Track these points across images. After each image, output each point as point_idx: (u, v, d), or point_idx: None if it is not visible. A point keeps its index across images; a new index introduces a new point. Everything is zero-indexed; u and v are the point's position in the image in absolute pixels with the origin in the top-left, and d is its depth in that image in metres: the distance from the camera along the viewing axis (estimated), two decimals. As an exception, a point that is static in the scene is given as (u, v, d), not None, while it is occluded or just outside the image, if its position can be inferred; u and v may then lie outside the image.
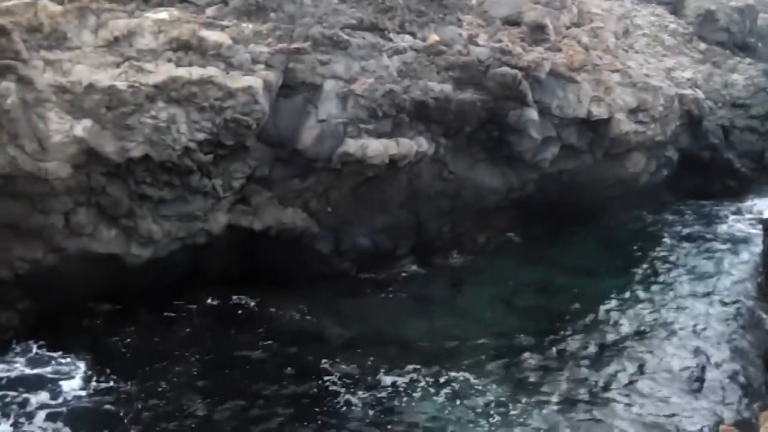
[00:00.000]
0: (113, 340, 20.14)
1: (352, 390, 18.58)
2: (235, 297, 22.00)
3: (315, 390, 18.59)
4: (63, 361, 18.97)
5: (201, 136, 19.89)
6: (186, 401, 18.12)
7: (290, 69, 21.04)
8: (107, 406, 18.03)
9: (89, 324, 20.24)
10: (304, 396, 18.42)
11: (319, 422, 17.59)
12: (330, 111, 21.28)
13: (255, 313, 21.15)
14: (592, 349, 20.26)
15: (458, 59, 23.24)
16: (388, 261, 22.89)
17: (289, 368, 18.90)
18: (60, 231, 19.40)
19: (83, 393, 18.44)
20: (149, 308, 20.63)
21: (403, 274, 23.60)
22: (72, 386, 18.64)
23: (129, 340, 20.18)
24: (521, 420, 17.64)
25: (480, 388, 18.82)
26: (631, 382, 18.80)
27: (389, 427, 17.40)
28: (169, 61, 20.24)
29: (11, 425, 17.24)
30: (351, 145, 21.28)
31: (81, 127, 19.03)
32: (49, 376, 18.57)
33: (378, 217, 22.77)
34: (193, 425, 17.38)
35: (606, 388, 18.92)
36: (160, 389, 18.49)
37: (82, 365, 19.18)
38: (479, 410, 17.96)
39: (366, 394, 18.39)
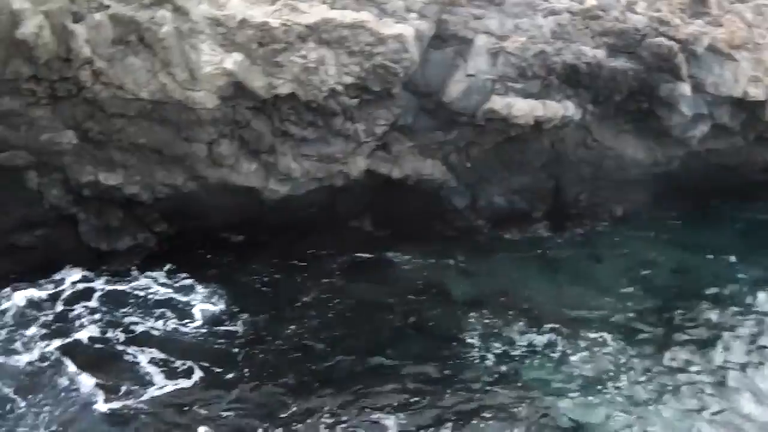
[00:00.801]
0: (246, 275, 20.96)
1: (471, 349, 18.86)
2: (364, 245, 22.09)
3: (438, 345, 19.00)
4: (196, 287, 19.50)
5: (348, 79, 20.22)
6: (310, 347, 18.83)
7: (443, 20, 21.19)
8: (235, 341, 18.89)
9: (221, 255, 20.80)
10: (427, 350, 18.87)
11: (441, 377, 18.09)
12: (479, 66, 21.39)
13: (383, 262, 21.19)
14: (727, 337, 19.82)
15: (614, 25, 22.98)
16: (522, 223, 23.04)
17: (412, 320, 19.15)
18: (202, 160, 20.00)
19: (210, 324, 19.38)
20: (280, 249, 20.66)
21: (536, 238, 23.40)
22: (203, 314, 19.46)
23: (261, 277, 20.98)
24: (646, 401, 17.35)
25: (603, 362, 18.65)
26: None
27: (505, 390, 17.66)
28: (324, 2, 20.60)
29: (140, 346, 17.75)
30: (497, 103, 21.34)
31: (231, 61, 19.47)
32: (183, 299, 19.00)
33: (516, 178, 22.84)
34: (317, 370, 18.10)
35: (736, 377, 18.49)
36: (287, 332, 19.21)
37: (214, 295, 20.06)
38: (601, 386, 17.88)
39: (487, 354, 18.57)
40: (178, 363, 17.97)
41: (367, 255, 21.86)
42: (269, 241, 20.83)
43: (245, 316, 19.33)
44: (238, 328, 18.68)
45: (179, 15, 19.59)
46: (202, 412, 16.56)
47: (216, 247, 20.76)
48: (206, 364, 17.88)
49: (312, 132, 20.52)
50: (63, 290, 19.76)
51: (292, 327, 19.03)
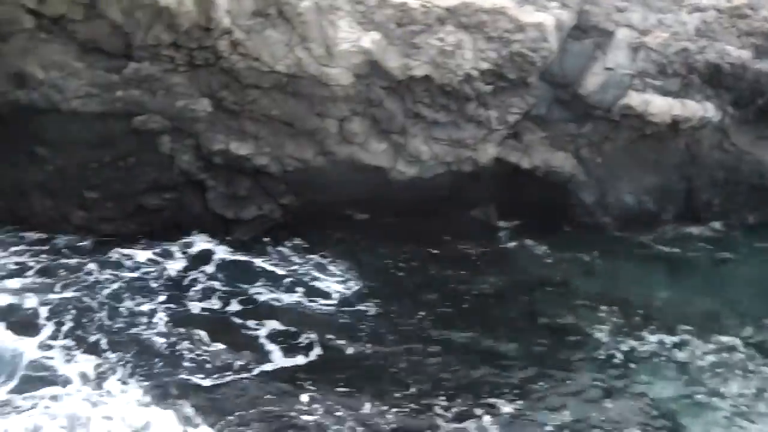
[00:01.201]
0: (372, 255, 21.32)
1: (592, 346, 18.84)
2: (488, 234, 22.35)
3: (558, 340, 19.04)
4: (320, 262, 19.93)
5: (484, 65, 20.19)
6: (429, 333, 19.07)
7: (584, 11, 21.01)
8: (364, 321, 19.17)
9: (345, 231, 21.33)
10: (547, 344, 18.96)
11: (559, 370, 18.10)
12: (618, 60, 21.13)
13: (506, 252, 21.09)
14: None
15: (762, 25, 22.41)
16: (650, 223, 22.68)
17: (533, 313, 19.26)
18: (332, 136, 20.27)
19: (332, 301, 19.82)
20: (405, 231, 20.87)
21: (664, 239, 23.00)
22: (326, 290, 20.00)
23: (387, 260, 21.41)
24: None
25: (729, 370, 18.48)
26: None
27: (624, 391, 17.60)
28: (465, -14, 20.46)
29: (260, 318, 18.37)
30: (634, 99, 21.05)
31: (369, 39, 19.62)
32: (306, 273, 19.59)
33: (648, 177, 22.52)
34: (435, 355, 18.28)
35: None
36: (408, 317, 19.46)
37: (337, 271, 20.47)
38: (725, 396, 17.73)
39: (608, 353, 18.57)
40: (300, 338, 18.06)
41: (490, 244, 21.34)
42: (393, 223, 20.85)
43: (366, 295, 19.69)
44: (359, 307, 18.64)
45: (320, -10, 19.66)
46: (314, 388, 16.60)
47: (339, 223, 20.86)
48: (326, 341, 18.20)
49: (444, 116, 20.53)
50: (188, 254, 19.94)
51: (416, 312, 19.12)
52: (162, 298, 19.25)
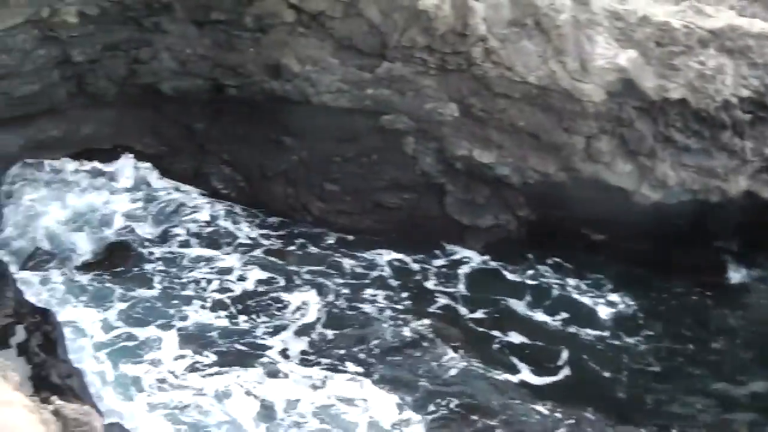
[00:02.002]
0: (614, 278, 21.48)
1: None
2: (725, 267, 22.14)
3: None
4: (563, 279, 20.79)
5: (745, 92, 20.06)
6: (696, 372, 19.15)
7: None
8: (614, 345, 19.56)
9: (588, 251, 21.78)
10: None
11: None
12: None
13: (745, 287, 20.73)
14: None
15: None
16: None
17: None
18: (578, 152, 20.59)
19: (593, 322, 20.08)
20: (644, 256, 20.98)
21: None
22: (572, 308, 20.46)
23: (634, 284, 21.52)
24: None
25: None
26: None
27: None
28: (731, 8, 20.35)
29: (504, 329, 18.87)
30: None
31: (625, 57, 19.87)
32: (550, 289, 20.20)
33: None
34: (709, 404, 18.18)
35: None
36: (671, 348, 19.66)
37: (592, 291, 20.78)
38: None
39: None
40: (551, 354, 18.46)
41: (726, 278, 20.97)
42: (631, 247, 20.75)
43: (622, 319, 19.84)
44: (612, 330, 18.76)
45: (579, 4, 20.10)
46: (560, 407, 17.41)
47: (574, 241, 20.91)
48: (578, 360, 18.44)
49: (695, 142, 20.53)
50: (434, 257, 20.66)
51: (673, 343, 18.99)
52: (405, 298, 20.12)
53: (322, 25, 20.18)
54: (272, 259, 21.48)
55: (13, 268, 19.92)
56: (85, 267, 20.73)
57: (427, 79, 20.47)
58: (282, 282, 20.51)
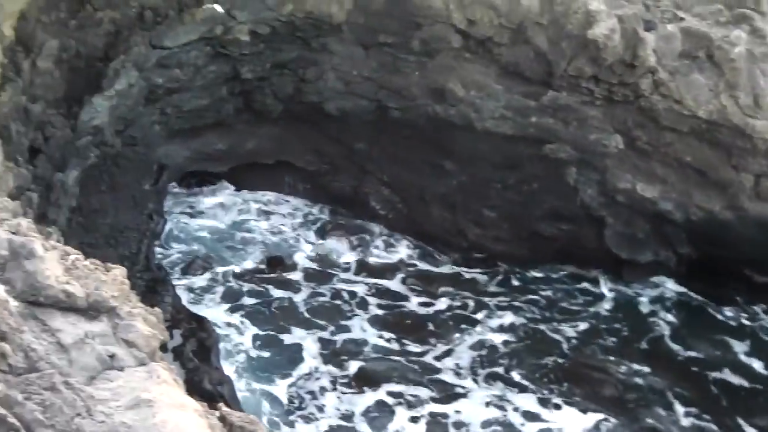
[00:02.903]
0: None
1: None
2: None
3: None
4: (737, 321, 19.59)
5: None
6: None
7: None
8: None
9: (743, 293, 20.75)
10: None
11: None
12: None
13: None
14: None
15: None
16: None
17: None
18: (746, 191, 20.33)
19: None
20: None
21: None
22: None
23: None
24: None
25: None
26: None
27: None
28: None
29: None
30: None
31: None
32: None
33: None
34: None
35: None
36: None
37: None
38: None
39: None
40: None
41: None
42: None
43: None
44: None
45: (755, 37, 19.77)
46: None
47: (736, 282, 20.69)
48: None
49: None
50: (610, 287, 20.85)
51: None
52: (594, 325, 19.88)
53: (488, 51, 20.35)
54: (432, 281, 21.79)
55: (172, 275, 20.74)
56: (242, 276, 21.41)
57: (593, 109, 20.42)
58: (457, 303, 20.32)
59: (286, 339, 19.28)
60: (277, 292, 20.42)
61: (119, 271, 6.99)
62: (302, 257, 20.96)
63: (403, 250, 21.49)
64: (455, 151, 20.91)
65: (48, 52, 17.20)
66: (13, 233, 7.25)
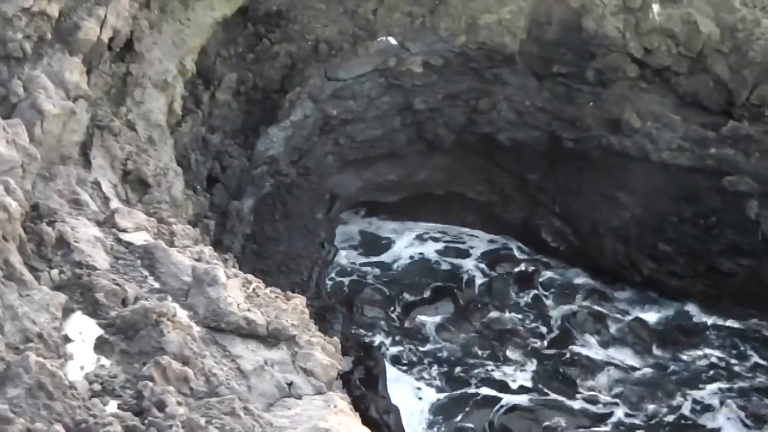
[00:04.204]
0: None
1: None
2: None
3: None
4: None
5: None
6: None
7: None
8: None
9: None
10: None
11: None
12: None
13: None
14: None
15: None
16: None
17: None
18: None
19: None
20: None
21: None
22: None
23: None
24: None
25: None
26: None
27: None
28: None
29: None
30: None
31: None
32: None
33: None
34: None
35: None
36: None
37: None
38: None
39: None
40: None
41: None
42: None
43: None
44: None
45: None
46: None
47: None
48: None
49: None
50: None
51: None
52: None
53: (665, 80, 19.88)
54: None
55: (341, 303, 21.09)
56: (410, 306, 21.56)
57: (772, 139, 19.51)
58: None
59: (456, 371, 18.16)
60: (445, 322, 19.49)
61: (299, 300, 7.06)
62: (471, 290, 20.51)
63: (576, 284, 20.53)
64: (630, 182, 20.47)
65: (227, 84, 17.68)
66: (196, 260, 7.42)
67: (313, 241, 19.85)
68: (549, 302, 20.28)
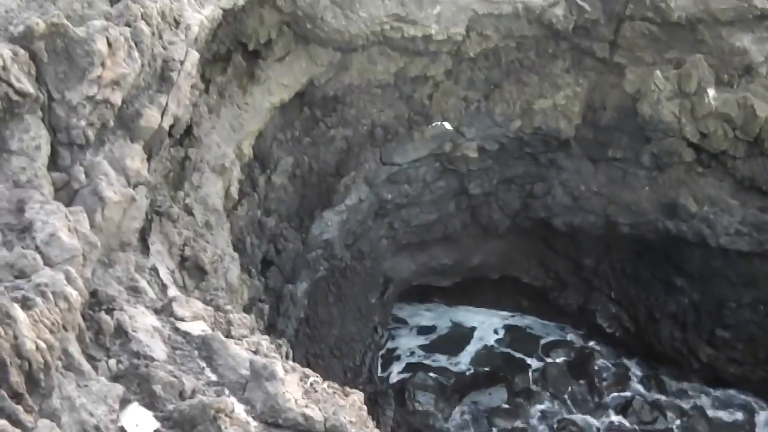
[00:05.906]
0: None
1: None
2: None
3: None
4: None
5: None
6: None
7: None
8: None
9: None
10: None
11: None
12: None
13: None
14: None
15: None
16: None
17: None
18: None
19: None
20: None
21: None
22: None
23: None
24: None
25: None
26: None
27: None
28: None
29: None
30: None
31: None
32: None
33: None
34: None
35: None
36: None
37: None
38: None
39: None
40: None
41: None
42: None
43: None
44: None
45: None
46: None
47: None
48: None
49: None
50: None
51: None
52: None
53: (722, 164, 19.62)
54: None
55: (393, 388, 21.22)
56: (462, 392, 21.84)
57: None
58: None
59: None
60: (498, 409, 19.26)
61: (357, 396, 6.89)
62: (525, 376, 20.21)
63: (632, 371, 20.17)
64: (687, 267, 20.12)
65: (283, 168, 17.73)
66: (254, 351, 7.28)
67: (367, 325, 19.70)
68: (603, 389, 19.74)
